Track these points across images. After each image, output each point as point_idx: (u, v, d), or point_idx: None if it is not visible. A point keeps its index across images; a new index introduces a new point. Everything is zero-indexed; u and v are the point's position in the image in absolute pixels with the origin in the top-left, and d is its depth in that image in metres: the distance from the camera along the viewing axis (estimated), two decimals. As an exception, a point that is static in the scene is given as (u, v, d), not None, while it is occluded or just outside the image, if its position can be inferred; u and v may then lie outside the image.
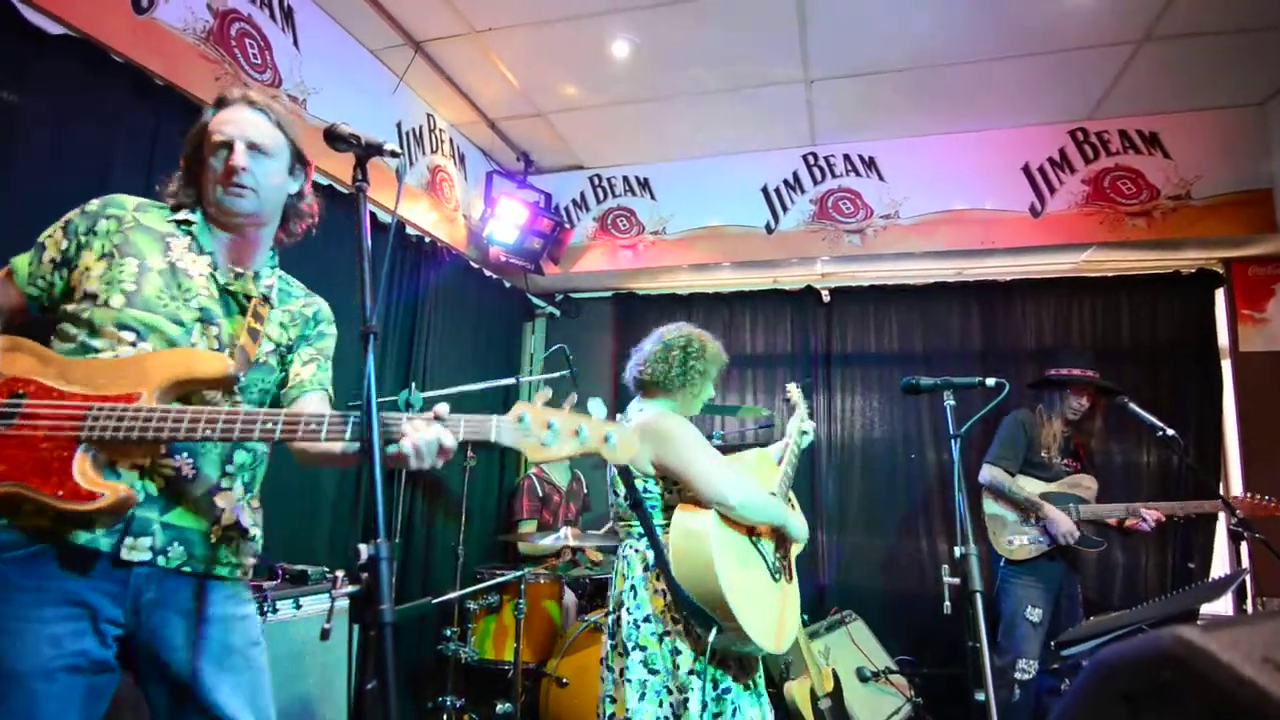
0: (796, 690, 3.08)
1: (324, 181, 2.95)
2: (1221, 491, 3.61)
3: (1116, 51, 3.31)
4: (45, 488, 1.21)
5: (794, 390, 2.78)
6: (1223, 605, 3.41)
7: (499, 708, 3.14)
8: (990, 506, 3.27)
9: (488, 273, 4.58)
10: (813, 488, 4.40)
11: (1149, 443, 3.95)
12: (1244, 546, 2.64)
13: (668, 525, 2.09)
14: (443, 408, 1.33)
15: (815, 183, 4.30)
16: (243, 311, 1.47)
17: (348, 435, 1.29)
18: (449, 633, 3.27)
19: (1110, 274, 4.16)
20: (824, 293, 4.62)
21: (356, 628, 1.10)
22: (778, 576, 2.24)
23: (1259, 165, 3.62)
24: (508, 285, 4.81)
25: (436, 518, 3.90)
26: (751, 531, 2.19)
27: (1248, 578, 3.40)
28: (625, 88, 3.78)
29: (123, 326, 1.33)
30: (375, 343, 1.21)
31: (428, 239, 3.97)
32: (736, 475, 2.12)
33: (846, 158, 4.26)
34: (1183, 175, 3.74)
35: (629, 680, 2.04)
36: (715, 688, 2.05)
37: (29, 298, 1.42)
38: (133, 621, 1.33)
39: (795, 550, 2.39)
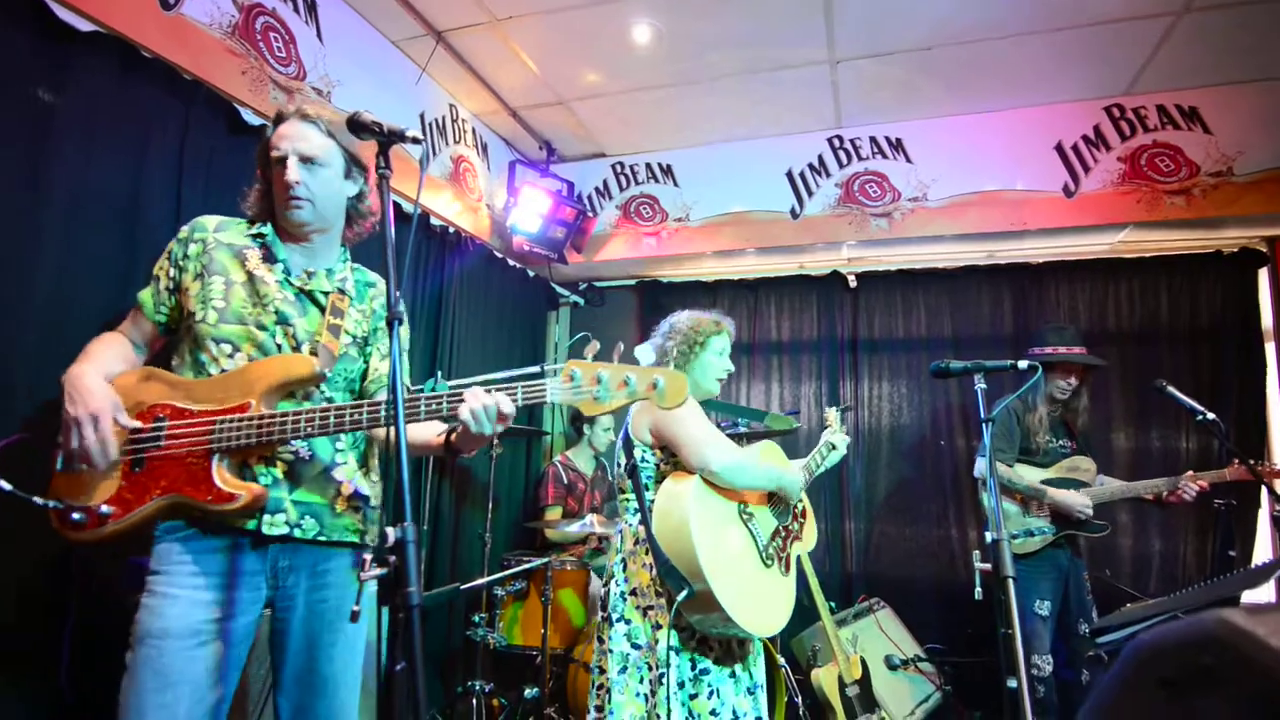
0: (824, 677, 3.07)
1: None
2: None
3: (1154, 24, 3.19)
4: (197, 495, 1.46)
5: (832, 413, 2.74)
6: (1265, 593, 3.31)
7: (527, 693, 3.18)
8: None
9: (511, 262, 4.59)
10: (840, 475, 4.36)
11: (1189, 427, 3.84)
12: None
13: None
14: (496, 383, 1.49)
15: (841, 166, 4.23)
16: (321, 310, 1.63)
17: (421, 415, 1.44)
18: (477, 619, 3.31)
19: (1148, 254, 4.04)
20: (850, 278, 4.55)
21: (385, 610, 1.12)
22: (769, 562, 2.22)
23: (1305, 140, 3.48)
24: (531, 274, 4.82)
25: (464, 506, 3.94)
26: (745, 510, 2.20)
27: (1291, 565, 3.29)
28: (647, 73, 3.74)
29: (219, 341, 1.53)
30: (400, 329, 1.24)
31: (452, 229, 3.99)
32: (726, 443, 2.15)
33: (873, 140, 4.18)
34: (1224, 151, 3.60)
35: (611, 651, 2.07)
36: (694, 668, 2.06)
37: (158, 324, 1.63)
38: (272, 585, 1.55)
39: (798, 549, 2.38)
